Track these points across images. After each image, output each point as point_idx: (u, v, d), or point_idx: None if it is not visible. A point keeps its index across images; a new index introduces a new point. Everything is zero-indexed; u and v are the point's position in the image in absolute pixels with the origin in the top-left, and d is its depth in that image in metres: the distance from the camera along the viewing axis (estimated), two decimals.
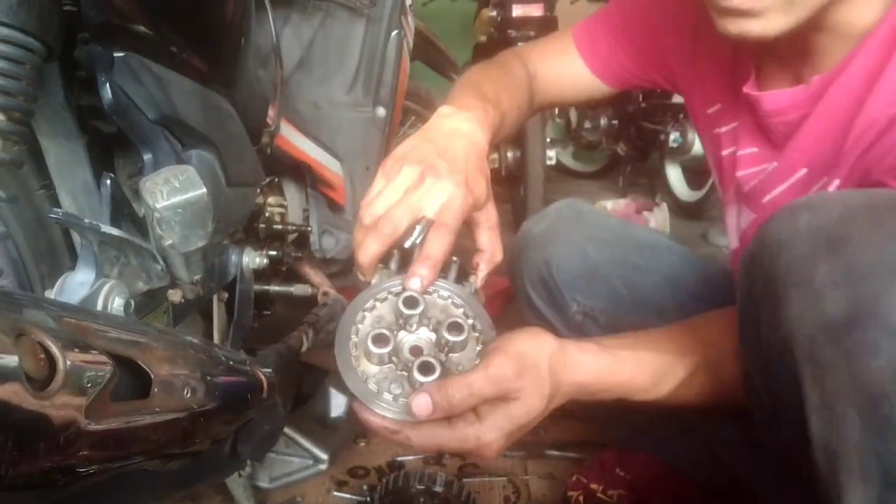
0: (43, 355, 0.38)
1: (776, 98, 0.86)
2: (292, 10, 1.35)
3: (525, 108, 1.10)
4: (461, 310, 0.74)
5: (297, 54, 1.37)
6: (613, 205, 3.39)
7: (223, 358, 0.70)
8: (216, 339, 1.15)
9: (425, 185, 0.74)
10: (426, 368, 0.67)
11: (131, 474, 0.58)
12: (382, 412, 0.68)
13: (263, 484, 1.33)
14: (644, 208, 3.36)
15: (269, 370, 0.82)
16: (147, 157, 0.81)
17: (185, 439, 0.58)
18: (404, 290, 0.72)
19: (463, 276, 0.79)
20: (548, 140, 3.61)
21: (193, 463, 0.68)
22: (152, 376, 0.51)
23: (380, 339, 0.69)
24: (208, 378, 0.61)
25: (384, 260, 0.76)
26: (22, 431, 0.35)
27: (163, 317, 0.90)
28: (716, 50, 1.00)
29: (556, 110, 4.33)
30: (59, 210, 0.70)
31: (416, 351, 0.71)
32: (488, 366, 0.67)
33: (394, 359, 0.70)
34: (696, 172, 3.95)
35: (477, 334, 0.73)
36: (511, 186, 3.69)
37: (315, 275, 1.43)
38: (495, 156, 3.58)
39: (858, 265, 0.51)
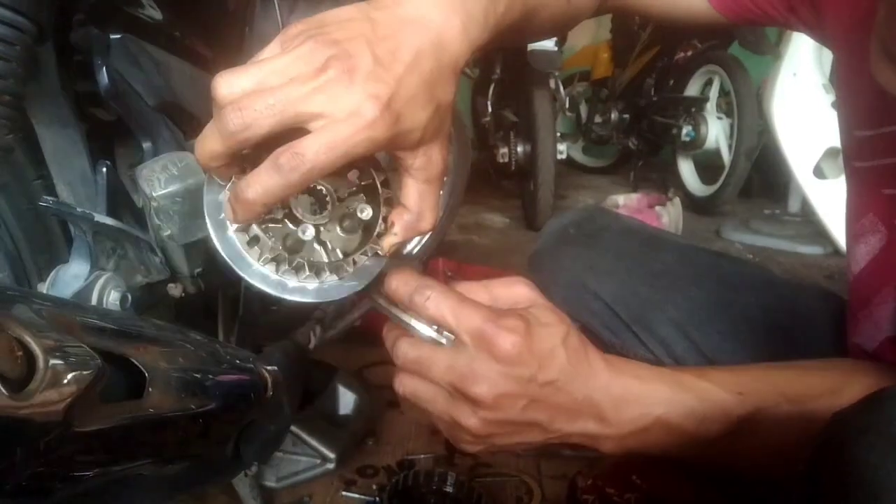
0: (21, 352, 0.34)
1: None
2: None
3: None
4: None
5: None
6: (625, 200, 3.34)
7: (225, 355, 0.66)
8: (221, 335, 1.12)
9: (322, 78, 0.48)
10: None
11: (129, 477, 0.55)
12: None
13: (270, 483, 1.30)
14: (656, 203, 3.31)
15: (275, 368, 0.79)
16: (147, 145, 0.78)
17: (184, 442, 0.54)
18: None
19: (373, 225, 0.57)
20: (558, 134, 3.57)
21: (195, 465, 0.65)
22: (147, 375, 0.48)
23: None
24: (209, 376, 0.58)
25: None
26: None
27: (165, 312, 0.87)
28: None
29: (567, 104, 4.28)
30: (49, 198, 0.67)
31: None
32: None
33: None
34: (708, 167, 3.90)
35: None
36: (521, 181, 3.65)
37: None
38: (505, 150, 3.55)
39: None
